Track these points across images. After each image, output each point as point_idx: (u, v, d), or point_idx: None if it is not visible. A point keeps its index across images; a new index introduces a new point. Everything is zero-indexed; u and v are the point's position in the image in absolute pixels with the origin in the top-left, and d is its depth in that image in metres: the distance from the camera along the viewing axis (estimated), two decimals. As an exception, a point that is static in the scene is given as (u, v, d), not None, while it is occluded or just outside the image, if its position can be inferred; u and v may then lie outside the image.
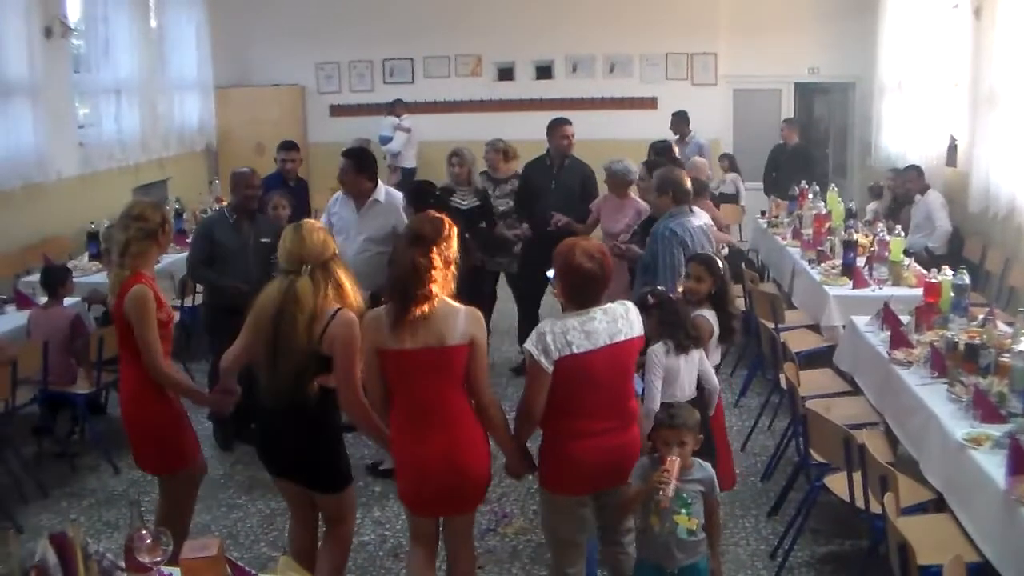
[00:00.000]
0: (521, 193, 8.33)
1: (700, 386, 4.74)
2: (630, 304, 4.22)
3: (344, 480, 4.32)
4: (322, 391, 4.03)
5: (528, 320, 8.21)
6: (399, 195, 7.02)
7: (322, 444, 4.16)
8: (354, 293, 4.12)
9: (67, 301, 7.03)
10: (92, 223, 8.78)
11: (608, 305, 4.09)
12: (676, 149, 10.11)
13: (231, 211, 6.76)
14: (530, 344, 3.96)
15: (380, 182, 7.01)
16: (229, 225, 6.65)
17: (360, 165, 6.84)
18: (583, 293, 4.04)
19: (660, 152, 7.95)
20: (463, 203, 7.83)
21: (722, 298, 5.04)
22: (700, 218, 7.69)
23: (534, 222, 8.07)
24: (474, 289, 7.36)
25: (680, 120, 11.79)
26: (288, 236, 4.10)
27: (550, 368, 3.92)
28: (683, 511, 3.89)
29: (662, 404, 4.28)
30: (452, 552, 4.29)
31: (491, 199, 8.19)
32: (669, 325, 4.66)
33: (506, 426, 4.10)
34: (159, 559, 3.04)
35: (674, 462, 3.81)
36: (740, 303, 5.21)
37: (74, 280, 7.77)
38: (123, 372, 4.70)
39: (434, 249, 3.85)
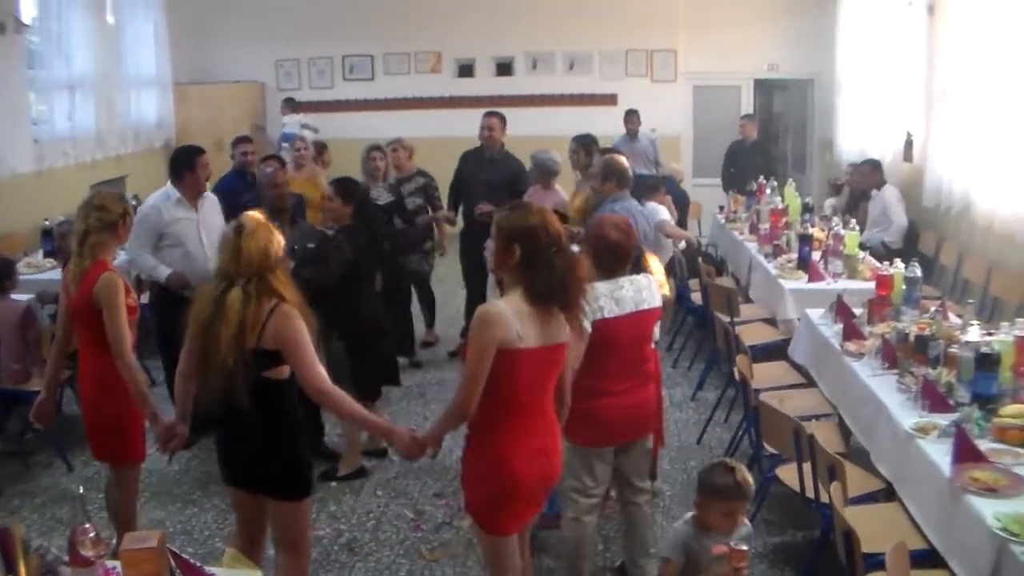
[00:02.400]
0: (454, 184, 8.56)
1: None
2: (651, 276, 4.57)
3: (303, 487, 4.07)
4: (275, 389, 3.86)
5: (475, 305, 8.32)
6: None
7: (278, 444, 3.94)
8: (293, 296, 3.86)
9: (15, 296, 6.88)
10: (47, 220, 8.69)
11: (633, 276, 4.48)
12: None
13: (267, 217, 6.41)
14: None
15: None
16: None
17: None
18: (611, 261, 4.43)
19: (585, 144, 8.06)
20: (380, 199, 7.89)
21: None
22: (660, 213, 7.81)
23: (465, 212, 8.37)
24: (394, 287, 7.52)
25: (630, 117, 12.06)
26: (225, 243, 3.87)
27: (589, 328, 4.21)
28: None
29: (722, 464, 3.83)
30: (521, 548, 4.03)
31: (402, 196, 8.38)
32: None
33: None
34: (103, 553, 3.02)
35: (744, 554, 3.36)
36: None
37: (29, 277, 7.76)
38: (84, 363, 4.66)
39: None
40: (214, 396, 3.81)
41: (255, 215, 3.99)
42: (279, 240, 3.93)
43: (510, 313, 3.60)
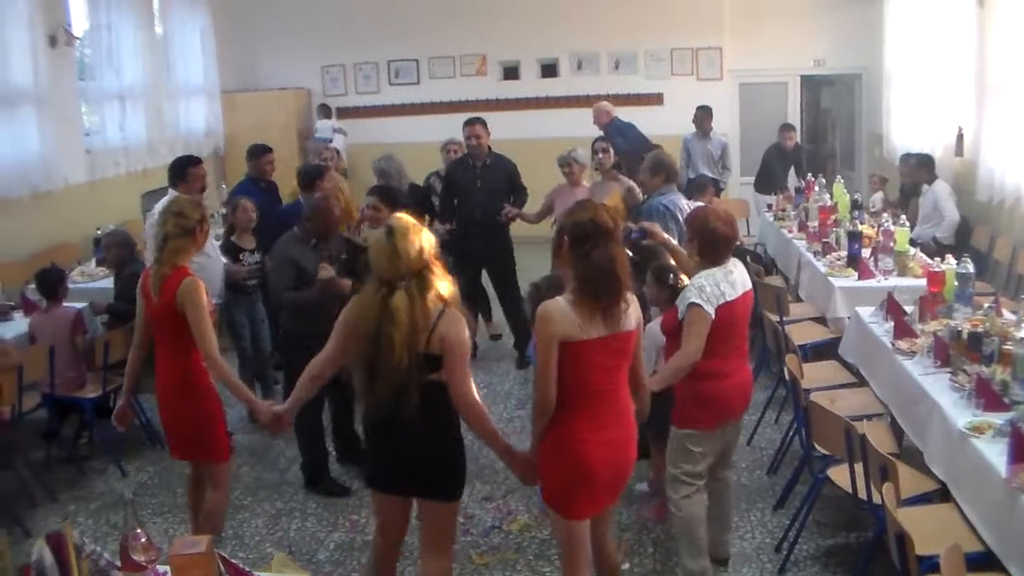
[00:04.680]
0: (445, 193, 8.55)
1: None
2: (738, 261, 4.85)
3: (460, 486, 4.10)
4: (437, 391, 3.83)
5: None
6: None
7: (444, 447, 3.99)
8: (453, 294, 3.88)
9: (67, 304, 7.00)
10: (98, 229, 8.82)
11: (732, 259, 4.75)
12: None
13: (304, 234, 6.21)
14: (693, 297, 4.52)
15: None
16: (309, 249, 6.12)
17: None
18: (719, 251, 4.67)
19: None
20: None
21: None
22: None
23: (461, 219, 8.33)
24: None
25: (704, 115, 11.62)
26: (381, 248, 3.81)
27: (713, 314, 4.50)
28: None
29: None
30: (602, 538, 4.28)
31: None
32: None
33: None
34: (154, 558, 3.05)
35: None
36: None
37: (83, 286, 7.91)
38: (164, 369, 4.71)
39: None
40: (386, 400, 3.80)
41: (402, 216, 3.96)
42: (430, 238, 3.92)
43: (567, 308, 3.78)
